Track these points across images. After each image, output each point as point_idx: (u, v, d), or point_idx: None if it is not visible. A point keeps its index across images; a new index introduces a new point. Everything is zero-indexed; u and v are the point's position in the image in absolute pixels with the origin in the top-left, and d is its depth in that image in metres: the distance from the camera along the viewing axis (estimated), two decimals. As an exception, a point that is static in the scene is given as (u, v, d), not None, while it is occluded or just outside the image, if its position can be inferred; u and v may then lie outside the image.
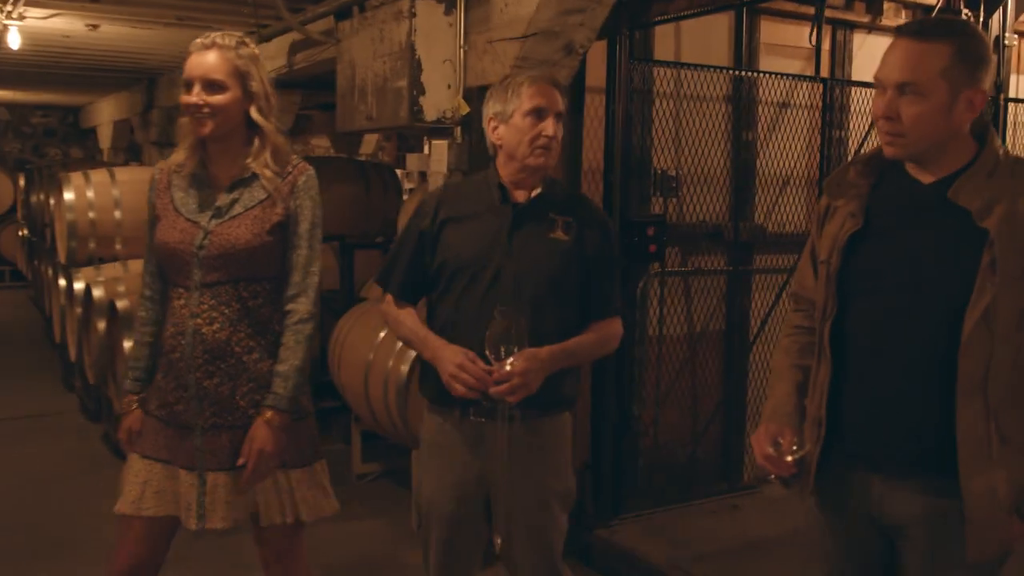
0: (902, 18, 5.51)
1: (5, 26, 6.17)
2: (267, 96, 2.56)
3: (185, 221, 2.55)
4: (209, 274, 2.51)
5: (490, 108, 2.67)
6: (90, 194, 6.86)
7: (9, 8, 5.74)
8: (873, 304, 2.06)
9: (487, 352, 2.40)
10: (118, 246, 6.89)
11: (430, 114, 4.00)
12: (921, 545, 2.02)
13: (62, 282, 7.41)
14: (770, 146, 4.99)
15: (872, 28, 5.30)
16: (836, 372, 2.09)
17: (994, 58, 2.08)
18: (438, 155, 4.11)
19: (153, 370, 2.65)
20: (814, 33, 4.94)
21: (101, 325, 5.91)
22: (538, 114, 2.59)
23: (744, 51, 4.85)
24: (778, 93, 4.96)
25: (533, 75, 2.70)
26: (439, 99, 4.01)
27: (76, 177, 6.98)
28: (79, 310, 6.56)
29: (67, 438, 6.33)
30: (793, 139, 5.01)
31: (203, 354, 2.53)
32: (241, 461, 2.51)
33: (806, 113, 5.08)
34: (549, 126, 2.59)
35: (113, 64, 8.98)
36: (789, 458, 2.09)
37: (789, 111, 5.03)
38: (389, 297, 2.76)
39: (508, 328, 2.39)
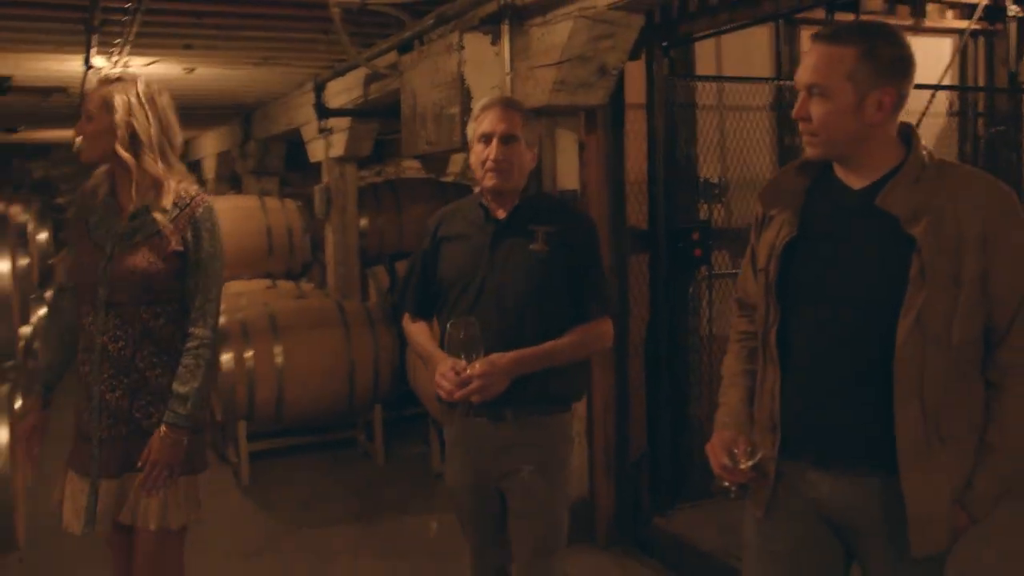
0: (948, 19, 5.61)
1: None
2: (136, 132, 2.68)
3: (92, 245, 2.74)
4: (113, 295, 2.69)
5: (468, 134, 2.87)
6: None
7: (116, 58, 6.33)
8: (814, 312, 2.09)
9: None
10: (219, 270, 7.49)
11: (481, 137, 4.34)
12: (872, 542, 2.06)
13: (170, 305, 8.05)
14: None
15: (917, 30, 5.42)
16: (784, 377, 2.12)
17: (911, 60, 2.00)
18: (489, 174, 4.46)
19: (60, 375, 2.92)
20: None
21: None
22: (486, 139, 2.74)
23: (785, 61, 5.05)
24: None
25: (487, 101, 2.84)
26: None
27: (180, 208, 7.61)
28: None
29: (178, 447, 6.89)
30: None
31: (108, 369, 2.71)
32: (140, 464, 2.67)
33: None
34: (492, 150, 2.72)
35: (211, 101, 9.64)
36: (744, 466, 2.11)
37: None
38: (407, 315, 2.97)
39: (464, 337, 2.57)
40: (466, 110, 4.31)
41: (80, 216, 2.83)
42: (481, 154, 2.74)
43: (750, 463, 2.11)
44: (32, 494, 4.52)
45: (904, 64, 2.00)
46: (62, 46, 6.13)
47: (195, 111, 10.56)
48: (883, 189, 2.00)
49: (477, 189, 2.90)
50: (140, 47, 6.03)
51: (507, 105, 2.82)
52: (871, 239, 2.02)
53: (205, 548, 4.68)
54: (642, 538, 4.50)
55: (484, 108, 2.79)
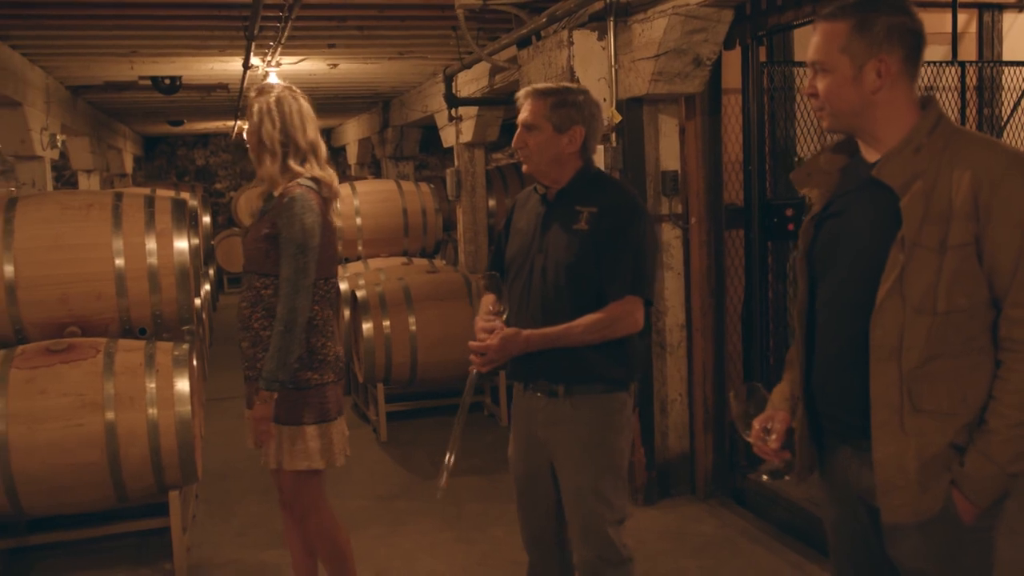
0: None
1: (266, 72, 7.55)
2: (261, 137, 3.12)
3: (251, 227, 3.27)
4: (246, 266, 3.23)
5: None
6: (336, 204, 8.17)
7: (269, 58, 7.07)
8: (825, 285, 2.14)
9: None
10: (360, 247, 8.18)
11: (589, 124, 4.77)
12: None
13: (318, 280, 8.81)
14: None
15: (1023, 7, 5.50)
16: (806, 351, 2.17)
17: (913, 27, 2.00)
18: (597, 158, 4.90)
19: None
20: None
21: (347, 312, 7.15)
22: (518, 127, 2.91)
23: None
24: (922, 79, 5.31)
25: (524, 90, 2.94)
26: (597, 111, 4.77)
27: (325, 191, 8.33)
28: (331, 302, 7.88)
29: (325, 408, 7.63)
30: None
31: (241, 324, 3.23)
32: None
33: (954, 96, 5.39)
34: (516, 137, 2.91)
35: (352, 92, 10.41)
36: (771, 443, 2.21)
37: (936, 94, 5.37)
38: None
39: (496, 292, 2.87)
40: (575, 100, 4.75)
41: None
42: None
43: (774, 438, 2.21)
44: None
45: (903, 32, 2.00)
46: (224, 50, 6.92)
47: (338, 101, 11.38)
48: (880, 160, 2.03)
49: None
50: (290, 48, 6.74)
51: (534, 95, 2.89)
52: (868, 211, 2.05)
53: (350, 492, 5.40)
54: (737, 491, 4.87)
55: (522, 98, 2.92)
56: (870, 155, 2.09)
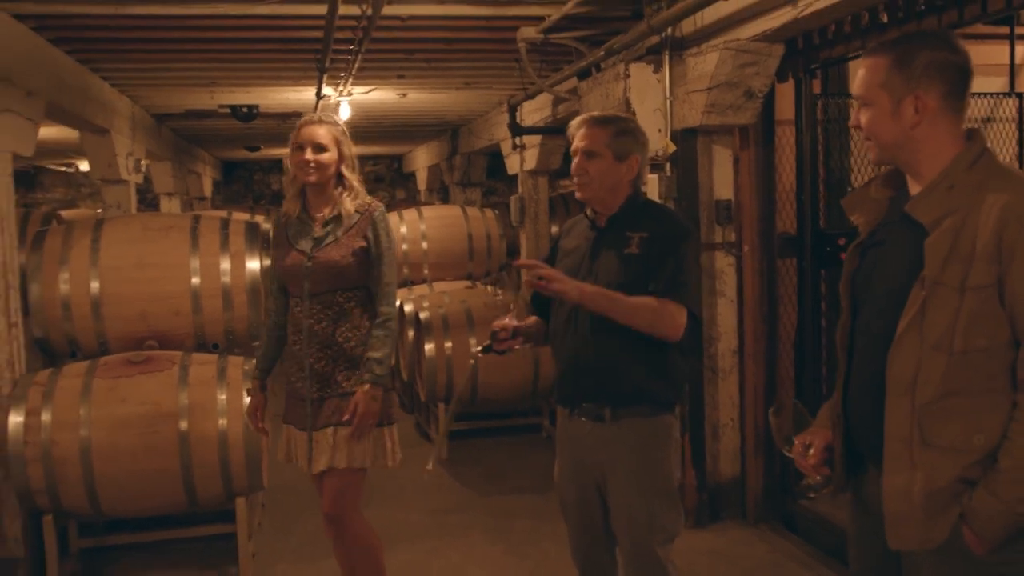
0: None
1: (338, 101, 7.86)
2: (352, 157, 3.43)
3: (295, 250, 3.42)
4: (315, 286, 3.37)
5: None
6: (403, 229, 8.45)
7: (341, 87, 7.38)
8: (863, 312, 2.19)
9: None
10: (425, 271, 8.41)
11: (644, 153, 4.91)
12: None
13: (384, 302, 9.06)
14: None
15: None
16: (846, 375, 2.23)
17: (955, 62, 2.02)
18: (651, 186, 5.04)
19: (274, 362, 3.60)
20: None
21: (411, 334, 7.37)
22: (574, 154, 2.97)
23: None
24: (980, 110, 5.34)
25: (580, 118, 3.01)
26: (652, 141, 4.88)
27: (392, 216, 8.60)
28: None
29: (389, 426, 7.85)
30: (1000, 151, 5.34)
31: (315, 344, 3.38)
32: (346, 417, 3.31)
33: (1012, 127, 5.39)
34: (576, 164, 2.95)
35: (421, 120, 10.71)
36: (810, 459, 2.27)
37: (994, 125, 5.38)
38: None
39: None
40: (631, 130, 4.91)
41: (281, 231, 3.52)
42: (574, 167, 2.98)
43: (812, 453, 2.28)
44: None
45: (943, 68, 2.02)
46: (298, 80, 7.25)
47: (408, 129, 11.71)
48: (914, 197, 2.08)
49: None
50: (361, 78, 7.02)
51: (593, 123, 2.97)
52: (901, 245, 2.09)
53: (407, 506, 5.59)
54: (787, 516, 4.92)
55: (576, 125, 2.99)
56: (913, 188, 2.12)
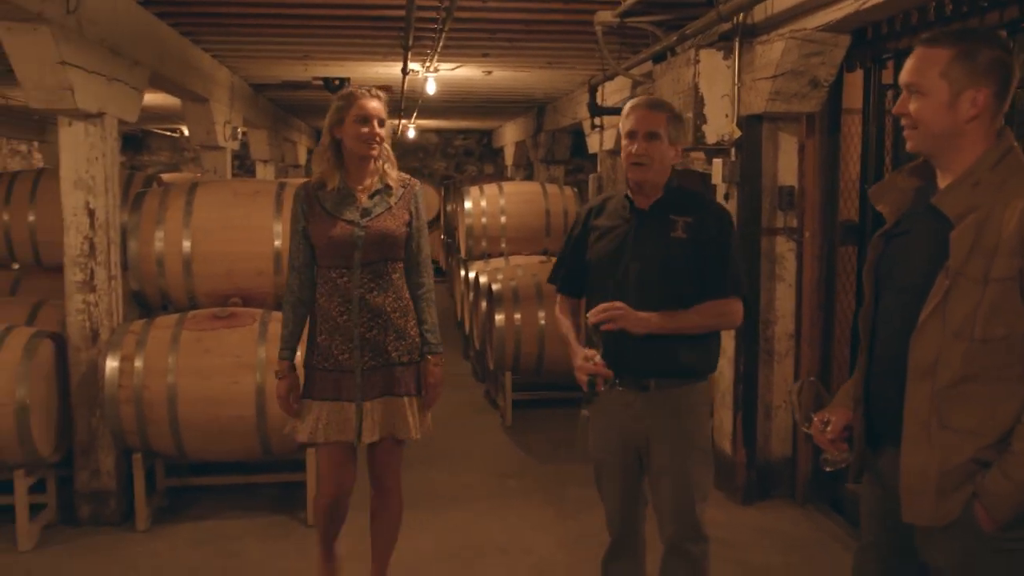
0: None
1: (425, 77, 8.12)
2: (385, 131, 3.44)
3: (341, 220, 3.38)
4: (367, 256, 3.38)
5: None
6: (483, 203, 8.69)
7: (428, 64, 7.62)
8: (885, 298, 2.28)
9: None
10: (503, 244, 8.64)
11: (711, 138, 5.02)
12: None
13: (462, 273, 9.36)
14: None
15: None
16: (868, 359, 2.31)
17: (1011, 63, 2.09)
18: (716, 170, 5.16)
19: (299, 339, 3.50)
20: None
21: (483, 305, 7.62)
22: (631, 136, 2.99)
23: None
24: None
25: (635, 101, 3.06)
26: (718, 125, 5.01)
27: (474, 190, 8.86)
28: (471, 295, 8.39)
29: (462, 392, 8.12)
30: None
31: (366, 315, 3.39)
32: (412, 389, 3.49)
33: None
34: (635, 146, 2.97)
35: (507, 97, 10.91)
36: (828, 435, 2.40)
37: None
38: (558, 295, 3.31)
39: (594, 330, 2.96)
40: (698, 115, 5.03)
41: (313, 203, 3.44)
42: (626, 149, 3.00)
43: (830, 430, 2.40)
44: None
45: (1002, 67, 2.10)
46: (387, 56, 7.53)
47: (495, 105, 11.92)
48: (941, 191, 2.15)
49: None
50: (446, 56, 7.26)
51: (651, 106, 3.06)
52: (926, 236, 2.18)
53: (471, 468, 5.86)
54: (835, 498, 5.00)
55: (632, 108, 3.03)
56: (942, 180, 2.19)
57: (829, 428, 2.43)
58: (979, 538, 2.14)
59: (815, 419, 2.48)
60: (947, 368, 2.08)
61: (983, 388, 2.08)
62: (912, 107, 2.16)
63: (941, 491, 2.13)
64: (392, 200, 3.48)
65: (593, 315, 2.93)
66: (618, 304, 2.92)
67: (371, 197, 3.46)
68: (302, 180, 3.56)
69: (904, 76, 2.19)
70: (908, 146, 2.24)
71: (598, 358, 2.93)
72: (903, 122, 2.21)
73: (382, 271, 3.45)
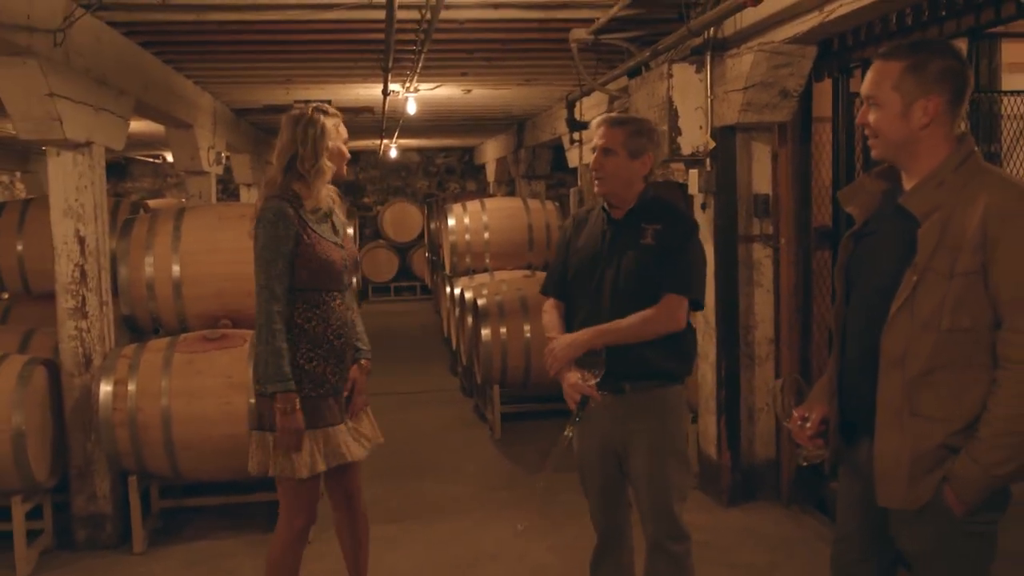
0: None
1: (406, 97, 8.23)
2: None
3: (330, 243, 3.39)
4: (349, 279, 3.50)
5: None
6: (466, 220, 8.80)
7: (408, 84, 7.75)
8: (855, 296, 2.41)
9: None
10: (487, 260, 8.74)
11: (686, 149, 5.15)
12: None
13: (448, 289, 9.46)
14: (1016, 156, 5.45)
15: None
16: (841, 353, 2.44)
17: (961, 71, 2.25)
18: (692, 180, 5.29)
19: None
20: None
21: (469, 320, 7.72)
22: (593, 151, 3.21)
23: (984, 74, 5.40)
24: (1020, 107, 5.43)
25: (600, 118, 3.26)
26: (693, 137, 5.15)
27: (456, 208, 8.96)
28: (457, 310, 8.49)
29: (451, 407, 8.26)
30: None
31: (352, 336, 3.49)
32: (346, 394, 3.48)
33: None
34: (594, 160, 3.18)
35: (487, 115, 11.04)
36: (807, 431, 2.51)
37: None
38: (548, 300, 3.42)
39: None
40: (673, 127, 5.17)
41: (303, 224, 3.32)
42: (592, 164, 3.22)
43: (809, 426, 2.51)
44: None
45: (952, 75, 2.23)
46: (367, 78, 7.65)
47: (476, 123, 12.05)
48: (908, 191, 2.29)
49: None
50: (426, 76, 7.38)
51: (611, 123, 3.22)
52: (894, 235, 2.30)
53: (466, 480, 5.96)
54: (819, 498, 5.11)
55: (596, 124, 3.25)
56: (907, 183, 2.33)
57: (808, 425, 2.54)
58: (950, 522, 2.26)
59: (794, 414, 2.59)
60: (916, 358, 2.21)
61: (951, 377, 2.21)
62: (871, 118, 2.32)
63: (913, 475, 2.25)
64: (339, 224, 3.53)
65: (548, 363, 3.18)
66: (549, 348, 3.17)
67: (325, 218, 3.47)
68: (271, 198, 3.33)
69: (863, 89, 2.34)
70: (872, 154, 2.39)
71: (593, 381, 3.06)
72: (866, 132, 2.36)
73: (346, 298, 3.53)
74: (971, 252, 2.15)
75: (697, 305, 3.26)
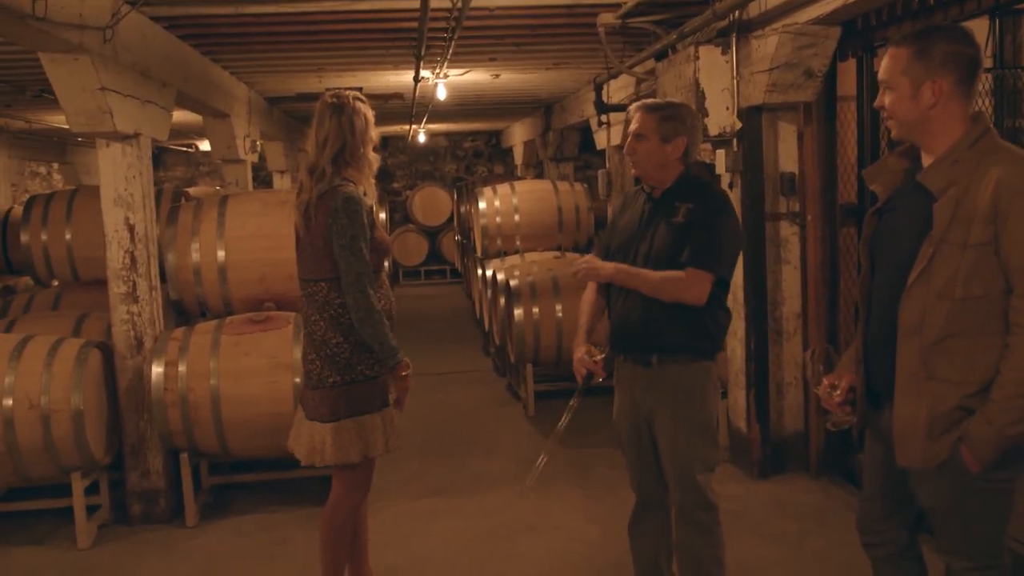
0: None
1: (435, 83, 8.38)
2: None
3: (380, 225, 3.67)
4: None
5: None
6: (497, 203, 8.96)
7: (437, 70, 7.89)
8: (878, 269, 2.57)
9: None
10: (517, 242, 8.90)
11: (713, 130, 5.27)
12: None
13: (479, 272, 9.62)
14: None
15: None
16: (866, 324, 2.60)
17: (966, 54, 2.39)
18: (719, 160, 5.40)
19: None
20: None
21: (502, 301, 7.88)
22: (628, 136, 3.38)
23: (1008, 50, 5.46)
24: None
25: (635, 104, 3.40)
26: (720, 118, 5.26)
27: (487, 191, 9.12)
28: (489, 292, 8.66)
29: (485, 387, 8.44)
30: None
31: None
32: (395, 397, 3.59)
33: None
34: (627, 145, 3.39)
35: (515, 98, 11.16)
36: (835, 397, 2.66)
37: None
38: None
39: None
40: (700, 109, 5.28)
41: (368, 209, 3.51)
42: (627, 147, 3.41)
43: (838, 394, 2.67)
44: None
45: (958, 58, 2.38)
46: (398, 65, 7.80)
47: (504, 106, 12.18)
48: (925, 168, 2.44)
49: None
50: (455, 62, 7.51)
51: (643, 109, 3.38)
52: (913, 210, 2.45)
53: (501, 456, 6.14)
54: (847, 469, 5.25)
55: (631, 110, 3.41)
56: (926, 160, 2.48)
57: (837, 392, 2.70)
58: (966, 479, 2.41)
59: (824, 382, 2.75)
60: (932, 327, 2.35)
61: (965, 343, 2.36)
62: (886, 101, 2.49)
63: (930, 436, 2.40)
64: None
65: (573, 271, 3.38)
66: (587, 257, 3.35)
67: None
68: (342, 186, 3.44)
69: (879, 74, 2.52)
70: (892, 134, 2.56)
71: (599, 357, 3.23)
72: (883, 114, 2.53)
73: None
74: (983, 224, 2.29)
75: (723, 283, 3.34)
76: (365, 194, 3.55)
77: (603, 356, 3.26)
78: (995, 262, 2.31)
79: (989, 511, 2.49)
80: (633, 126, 3.35)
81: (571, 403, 3.36)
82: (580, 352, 3.32)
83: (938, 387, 2.38)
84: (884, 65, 2.49)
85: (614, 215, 3.63)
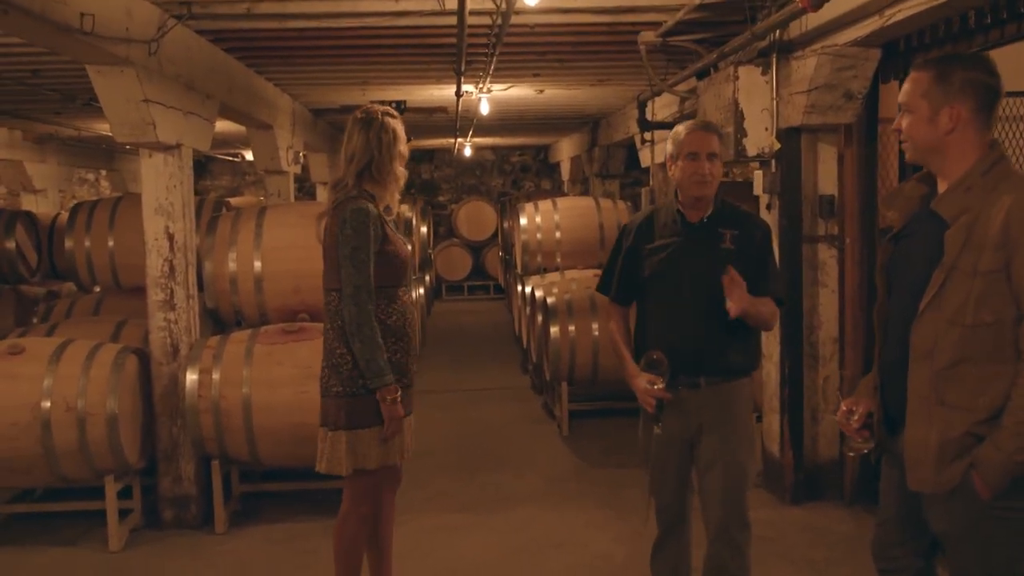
0: None
1: (479, 98, 8.43)
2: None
3: (400, 239, 3.59)
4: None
5: (667, 151, 3.39)
6: (538, 219, 8.95)
7: (480, 85, 7.93)
8: (893, 295, 2.58)
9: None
10: (558, 259, 8.89)
11: (751, 150, 5.22)
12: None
13: (519, 288, 9.62)
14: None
15: None
16: (883, 350, 2.60)
17: (986, 82, 2.40)
18: (757, 181, 5.35)
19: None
20: None
21: (539, 318, 7.87)
22: (692, 157, 3.27)
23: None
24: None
25: (690, 124, 3.38)
26: (758, 139, 5.21)
27: (528, 207, 9.13)
28: (527, 308, 8.65)
29: (518, 403, 8.42)
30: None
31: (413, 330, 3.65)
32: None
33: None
34: (702, 166, 3.27)
35: (560, 114, 11.18)
36: (853, 423, 2.63)
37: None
38: (605, 300, 3.58)
39: (655, 359, 3.24)
40: (739, 129, 5.24)
41: (382, 224, 3.50)
42: (688, 168, 3.28)
43: (855, 419, 2.64)
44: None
45: (976, 86, 2.41)
46: (441, 79, 7.86)
47: (549, 122, 12.19)
48: (939, 195, 2.45)
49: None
50: (498, 77, 7.56)
51: (708, 128, 3.39)
52: (926, 236, 2.45)
53: (534, 473, 6.13)
54: (874, 492, 5.12)
55: (690, 131, 3.34)
56: (941, 187, 2.49)
57: (855, 418, 2.67)
58: (979, 505, 2.38)
59: (842, 407, 2.73)
60: (943, 352, 2.36)
61: (975, 369, 2.36)
62: (904, 123, 2.51)
63: (940, 461, 2.39)
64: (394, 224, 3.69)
65: (734, 309, 3.15)
66: (731, 282, 3.14)
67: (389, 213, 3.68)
68: (353, 199, 3.46)
69: (899, 97, 2.54)
70: (907, 157, 2.59)
71: (660, 383, 3.23)
72: (900, 136, 2.55)
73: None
74: (994, 251, 2.30)
75: (782, 303, 3.46)
76: (387, 208, 3.59)
77: (664, 382, 3.25)
78: (1006, 289, 2.31)
79: (1004, 539, 2.45)
80: (705, 146, 3.30)
81: (656, 430, 3.35)
82: (642, 383, 3.28)
83: (948, 413, 2.38)
84: (904, 88, 2.51)
85: (626, 243, 3.50)
